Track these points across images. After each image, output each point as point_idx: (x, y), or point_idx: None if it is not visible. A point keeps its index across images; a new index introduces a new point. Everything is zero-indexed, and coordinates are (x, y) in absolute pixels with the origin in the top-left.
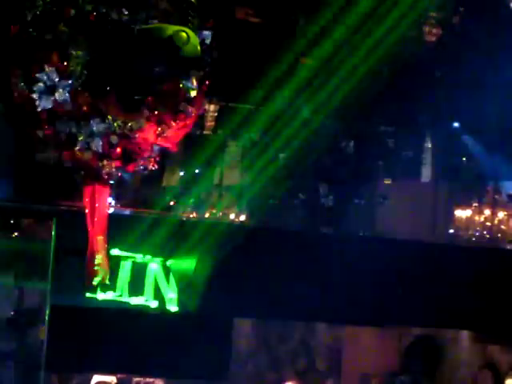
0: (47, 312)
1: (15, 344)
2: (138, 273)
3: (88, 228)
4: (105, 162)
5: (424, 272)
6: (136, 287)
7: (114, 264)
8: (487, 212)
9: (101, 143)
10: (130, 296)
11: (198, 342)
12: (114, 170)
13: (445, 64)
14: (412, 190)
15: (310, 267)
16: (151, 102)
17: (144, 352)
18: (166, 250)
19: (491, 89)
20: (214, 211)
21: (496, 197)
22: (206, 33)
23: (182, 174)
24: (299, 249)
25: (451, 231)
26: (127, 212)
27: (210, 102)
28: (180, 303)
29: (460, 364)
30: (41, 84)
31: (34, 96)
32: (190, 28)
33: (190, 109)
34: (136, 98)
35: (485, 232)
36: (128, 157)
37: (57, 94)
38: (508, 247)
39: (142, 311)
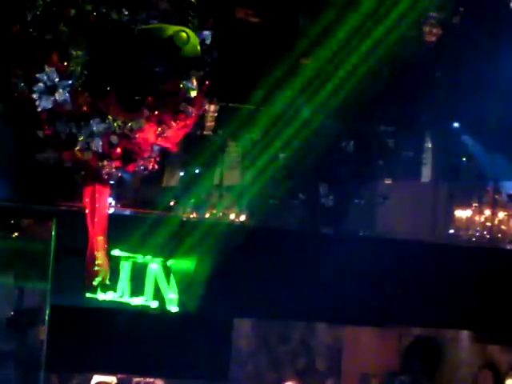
0: (47, 312)
1: (15, 344)
2: (139, 273)
3: (88, 228)
4: (105, 162)
5: (424, 272)
6: (136, 287)
7: (114, 264)
8: (487, 212)
9: (101, 143)
10: (130, 296)
11: (198, 342)
12: (114, 170)
13: (445, 64)
14: (412, 190)
15: (310, 267)
16: (151, 102)
17: (144, 352)
18: (167, 250)
19: (491, 89)
20: (214, 211)
21: (496, 197)
22: (206, 33)
23: (182, 174)
24: (299, 249)
25: (451, 231)
26: (127, 212)
27: (210, 102)
28: (180, 303)
29: (460, 364)
30: (41, 84)
31: (34, 96)
32: (190, 28)
33: (190, 109)
34: (136, 98)
35: (485, 232)
36: (128, 157)
37: (57, 94)
38: (508, 247)
39: (142, 311)
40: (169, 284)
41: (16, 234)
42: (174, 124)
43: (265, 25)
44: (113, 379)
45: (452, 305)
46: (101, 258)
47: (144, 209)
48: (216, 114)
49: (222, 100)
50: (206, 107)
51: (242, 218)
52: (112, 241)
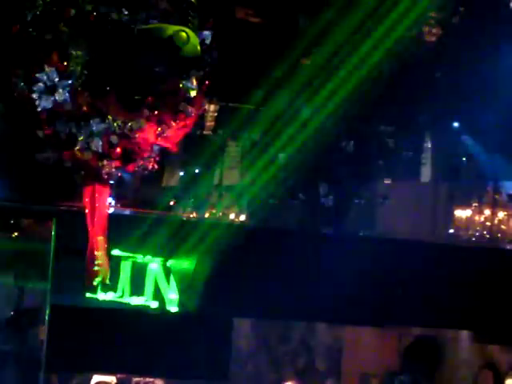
0: (47, 312)
1: (15, 344)
2: (139, 273)
3: (88, 228)
4: (105, 162)
5: (424, 272)
6: (136, 287)
7: (114, 264)
8: (487, 212)
9: (101, 143)
10: (130, 296)
11: (197, 342)
12: (113, 170)
13: (445, 64)
14: (412, 190)
15: (310, 267)
16: (151, 102)
17: (144, 352)
18: (166, 250)
19: (491, 89)
20: (214, 211)
21: (496, 197)
22: (206, 33)
23: (181, 174)
24: (299, 249)
25: (451, 231)
26: (127, 212)
27: (210, 102)
28: (180, 303)
29: (460, 364)
30: (41, 84)
31: (34, 96)
32: (190, 28)
33: (190, 109)
34: (136, 97)
35: (485, 232)
36: (128, 157)
37: (57, 94)
38: (508, 247)
39: (141, 311)
40: (169, 284)
41: (16, 233)
42: (173, 124)
43: (265, 25)
44: (112, 379)
45: (452, 305)
46: (101, 258)
47: (144, 209)
48: (216, 114)
49: (221, 100)
50: (206, 107)
51: (242, 217)
52: (112, 241)
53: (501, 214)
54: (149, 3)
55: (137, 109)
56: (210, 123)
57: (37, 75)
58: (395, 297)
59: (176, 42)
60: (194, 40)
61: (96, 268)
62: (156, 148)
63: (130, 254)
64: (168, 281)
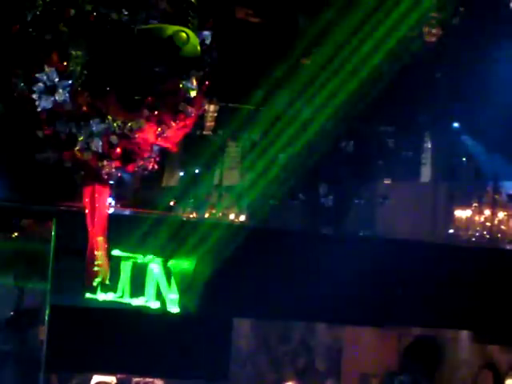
0: (47, 312)
1: (15, 344)
2: (139, 273)
3: (88, 228)
4: (105, 162)
5: (424, 272)
6: (136, 288)
7: (114, 264)
8: (487, 212)
9: (100, 143)
10: (130, 297)
11: (197, 343)
12: (113, 170)
13: (445, 64)
14: (412, 190)
15: (310, 267)
16: (151, 102)
17: (144, 352)
18: (167, 251)
19: (491, 89)
20: (214, 211)
21: (496, 197)
22: (206, 33)
23: (181, 174)
24: (299, 249)
25: (451, 231)
26: (127, 212)
27: (210, 102)
28: (180, 304)
29: (460, 364)
30: (41, 84)
31: (34, 96)
32: (189, 28)
33: (190, 109)
34: (136, 98)
35: (485, 232)
36: (128, 157)
37: (57, 94)
38: (508, 247)
39: (142, 312)
40: (169, 284)
41: (16, 233)
42: (173, 124)
43: (265, 25)
44: (112, 379)
45: (452, 305)
46: (101, 258)
47: (144, 209)
48: (216, 114)
49: (221, 100)
50: (206, 107)
51: (242, 218)
52: (112, 241)
53: (501, 214)
54: (149, 3)
55: (137, 109)
56: (209, 123)
57: (37, 75)
58: (395, 297)
59: (176, 42)
60: (194, 40)
61: (96, 268)
62: (156, 148)
63: (130, 255)
64: (168, 281)
